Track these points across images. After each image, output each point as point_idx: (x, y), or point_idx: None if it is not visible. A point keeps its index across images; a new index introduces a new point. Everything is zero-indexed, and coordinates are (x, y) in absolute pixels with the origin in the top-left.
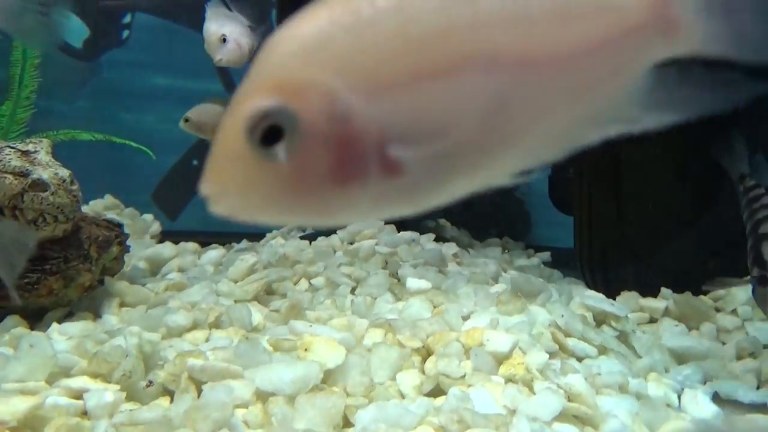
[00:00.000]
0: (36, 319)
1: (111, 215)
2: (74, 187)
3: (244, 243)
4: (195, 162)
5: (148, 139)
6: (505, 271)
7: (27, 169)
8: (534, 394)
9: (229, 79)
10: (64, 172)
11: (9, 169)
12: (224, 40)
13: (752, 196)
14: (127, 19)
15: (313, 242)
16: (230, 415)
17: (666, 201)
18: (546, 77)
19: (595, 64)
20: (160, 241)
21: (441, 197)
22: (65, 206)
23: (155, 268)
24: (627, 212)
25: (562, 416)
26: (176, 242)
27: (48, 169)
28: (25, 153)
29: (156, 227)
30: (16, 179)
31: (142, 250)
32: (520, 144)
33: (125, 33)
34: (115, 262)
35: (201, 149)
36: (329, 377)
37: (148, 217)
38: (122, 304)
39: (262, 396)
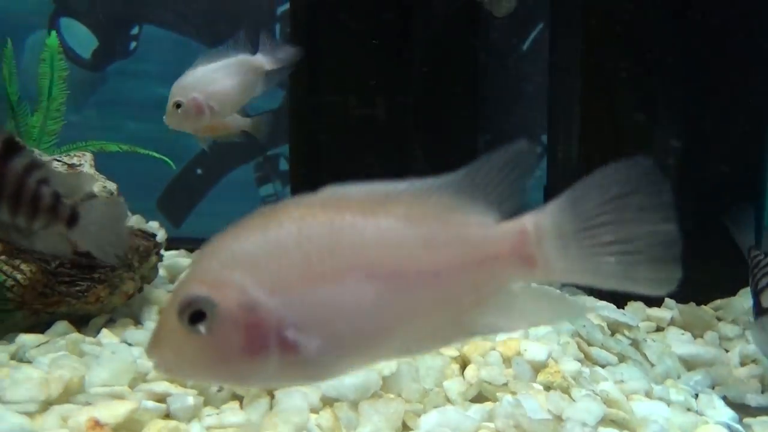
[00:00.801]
0: (81, 324)
1: (139, 226)
2: (121, 200)
3: None
4: (198, 171)
5: (152, 147)
6: None
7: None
8: (574, 400)
9: None
10: (111, 185)
11: None
12: (178, 106)
13: (755, 263)
14: (135, 30)
15: None
16: (307, 420)
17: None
18: (415, 287)
19: (457, 281)
20: (167, 249)
21: (335, 373)
22: None
23: (174, 276)
24: None
25: (604, 421)
26: (190, 250)
27: (96, 182)
28: (71, 166)
29: (162, 234)
30: None
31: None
32: (396, 336)
33: (133, 44)
34: (151, 271)
35: (204, 158)
36: (384, 384)
37: (154, 224)
38: (161, 312)
39: (328, 402)
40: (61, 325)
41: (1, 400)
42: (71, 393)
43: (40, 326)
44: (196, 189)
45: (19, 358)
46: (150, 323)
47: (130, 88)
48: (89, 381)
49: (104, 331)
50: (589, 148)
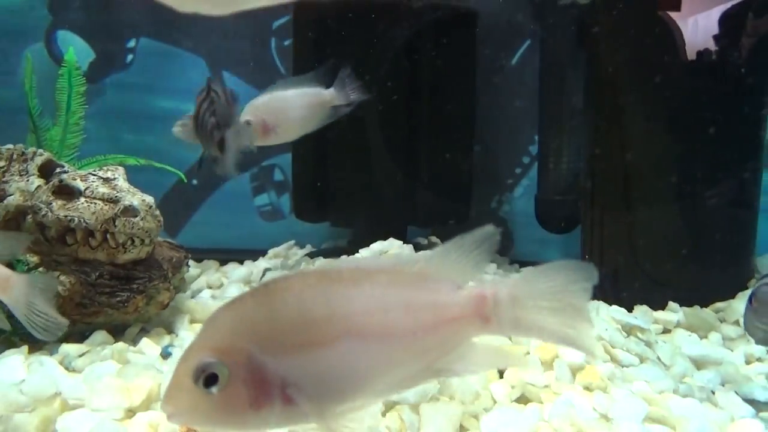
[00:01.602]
0: (117, 333)
1: (165, 238)
2: (158, 212)
3: (263, 261)
4: (195, 182)
5: (149, 158)
6: None
7: (116, 196)
8: (614, 400)
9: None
10: (150, 199)
11: (98, 195)
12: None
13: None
14: (132, 43)
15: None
16: (379, 422)
17: (670, 223)
18: (396, 345)
19: (430, 338)
20: None
21: (329, 416)
22: (152, 230)
23: (184, 286)
24: (637, 234)
25: (648, 419)
26: (198, 260)
27: (135, 195)
28: (107, 180)
29: None
30: (106, 205)
31: None
32: (379, 384)
33: (129, 57)
34: (182, 281)
35: (201, 169)
36: (441, 387)
37: None
38: (192, 321)
39: (390, 405)
40: (100, 335)
41: (90, 408)
42: (152, 400)
43: (74, 335)
44: (192, 199)
45: (65, 367)
46: (183, 332)
47: (126, 101)
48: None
49: (144, 340)
50: (581, 158)
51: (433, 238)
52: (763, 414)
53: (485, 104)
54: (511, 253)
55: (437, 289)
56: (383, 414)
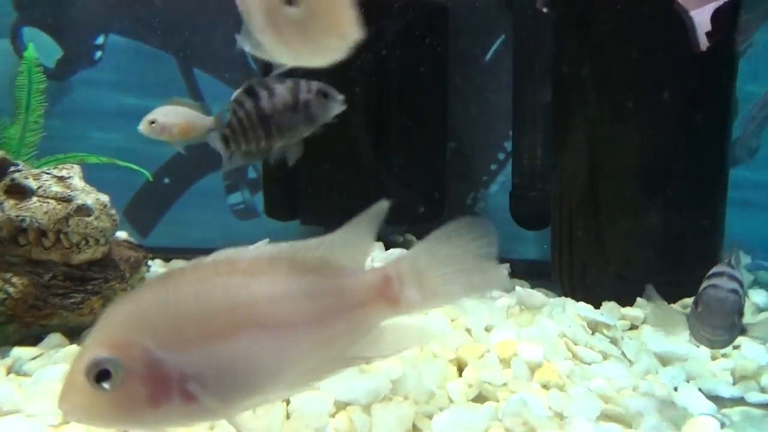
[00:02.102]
0: (74, 336)
1: (123, 237)
2: (113, 212)
3: None
4: (166, 180)
5: (118, 156)
6: None
7: (69, 195)
8: (571, 398)
9: (197, 91)
10: (104, 197)
11: (51, 194)
12: (152, 123)
13: None
14: (100, 40)
15: None
16: (326, 424)
17: (638, 219)
18: (301, 335)
19: (336, 325)
20: None
21: (232, 413)
22: (107, 230)
23: None
24: (606, 230)
25: (602, 417)
26: (166, 260)
27: (89, 194)
28: (61, 179)
29: None
30: (59, 204)
31: None
32: (286, 376)
33: (98, 54)
34: (140, 282)
35: (172, 167)
36: (393, 387)
37: (122, 233)
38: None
39: (341, 406)
40: (55, 338)
41: (24, 414)
42: None
43: (29, 339)
44: (164, 198)
45: (15, 371)
46: None
47: (95, 98)
48: None
49: None
50: (553, 155)
51: (409, 236)
52: (725, 410)
53: (459, 100)
54: None
55: (340, 275)
56: (332, 415)
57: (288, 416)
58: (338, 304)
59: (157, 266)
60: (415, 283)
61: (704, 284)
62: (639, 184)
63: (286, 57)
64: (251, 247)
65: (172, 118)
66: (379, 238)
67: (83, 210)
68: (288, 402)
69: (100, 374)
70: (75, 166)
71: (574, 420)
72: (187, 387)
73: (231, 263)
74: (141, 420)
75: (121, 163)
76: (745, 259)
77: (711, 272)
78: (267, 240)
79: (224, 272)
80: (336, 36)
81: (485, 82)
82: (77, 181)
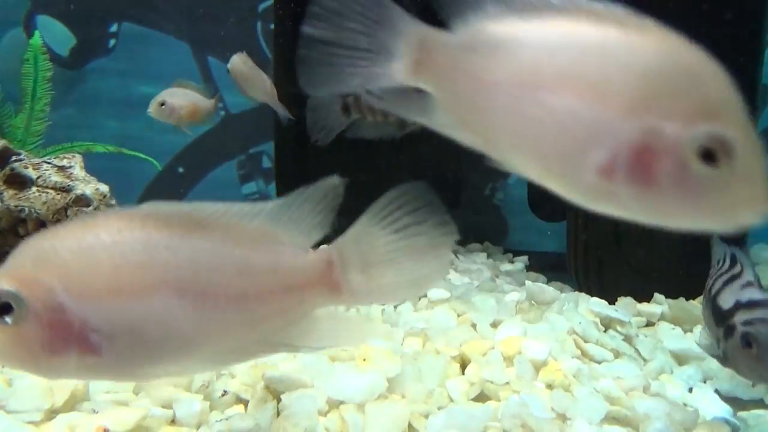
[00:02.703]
0: None
1: None
2: (113, 202)
3: None
4: (180, 169)
5: (132, 146)
6: (498, 276)
7: (68, 185)
8: (576, 398)
9: (211, 80)
10: (104, 188)
11: (50, 184)
12: (162, 104)
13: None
14: (114, 28)
15: None
16: (316, 423)
17: None
18: (224, 309)
19: (266, 306)
20: None
21: (138, 378)
22: None
23: None
24: (622, 223)
25: (608, 419)
26: None
27: (89, 184)
28: (62, 168)
29: None
30: (58, 194)
31: None
32: (204, 351)
33: (112, 42)
34: None
35: (187, 157)
36: (389, 385)
37: None
38: None
39: (334, 404)
40: None
41: (4, 410)
42: (77, 401)
43: None
44: (178, 188)
45: None
46: None
47: (110, 87)
48: (93, 388)
49: None
50: None
51: None
52: (741, 414)
53: None
54: (505, 242)
55: (278, 252)
56: (324, 414)
57: (278, 414)
58: (271, 284)
59: None
60: (360, 268)
61: (743, 316)
62: None
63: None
64: (184, 203)
65: (179, 99)
66: None
67: (82, 200)
68: (279, 399)
69: (2, 307)
70: (77, 155)
71: (576, 422)
72: (89, 338)
73: (161, 218)
74: (37, 364)
75: (128, 152)
76: (765, 253)
77: (746, 300)
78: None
79: (151, 226)
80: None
81: None
82: (78, 171)
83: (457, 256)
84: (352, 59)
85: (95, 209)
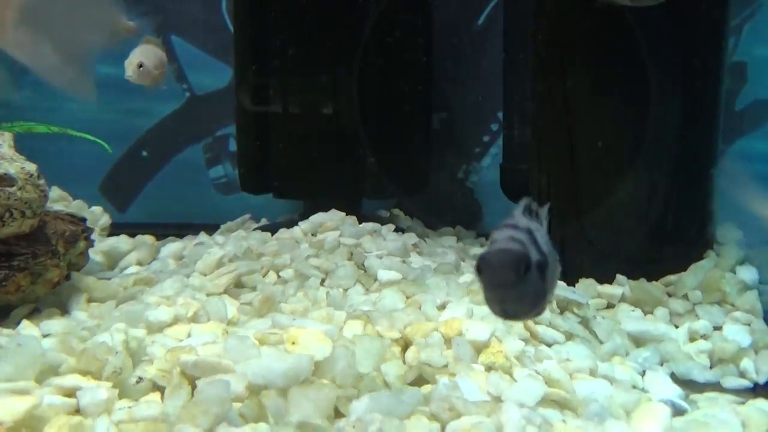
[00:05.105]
0: (2, 316)
1: (57, 208)
2: (41, 182)
3: (203, 236)
4: (144, 153)
5: (93, 129)
6: (463, 260)
7: None
8: (515, 381)
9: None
10: (31, 167)
11: None
12: (140, 66)
13: None
14: None
15: (274, 234)
16: (229, 409)
17: (620, 192)
18: None
19: None
20: (110, 234)
21: None
22: (33, 201)
23: (112, 262)
24: (584, 203)
25: (545, 401)
26: (131, 235)
27: (14, 163)
28: None
29: (105, 220)
30: None
31: (96, 244)
32: None
33: None
34: (80, 257)
35: (150, 140)
36: (318, 369)
37: (97, 209)
38: (90, 300)
39: (255, 389)
40: None
41: None
42: None
43: None
44: (142, 172)
45: None
46: (77, 312)
47: None
48: None
49: (24, 323)
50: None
51: (396, 211)
52: (694, 396)
53: (448, 66)
54: (478, 226)
55: None
56: (242, 399)
57: (191, 399)
58: None
59: (123, 242)
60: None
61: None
62: (621, 153)
63: None
64: None
65: (153, 60)
66: (357, 212)
67: (5, 180)
68: (194, 385)
69: None
70: (6, 133)
71: (506, 405)
72: None
73: None
74: None
75: (74, 133)
76: (737, 234)
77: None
78: (248, 215)
79: None
80: None
81: (477, 49)
82: (6, 150)
83: (424, 240)
84: None
85: (20, 189)
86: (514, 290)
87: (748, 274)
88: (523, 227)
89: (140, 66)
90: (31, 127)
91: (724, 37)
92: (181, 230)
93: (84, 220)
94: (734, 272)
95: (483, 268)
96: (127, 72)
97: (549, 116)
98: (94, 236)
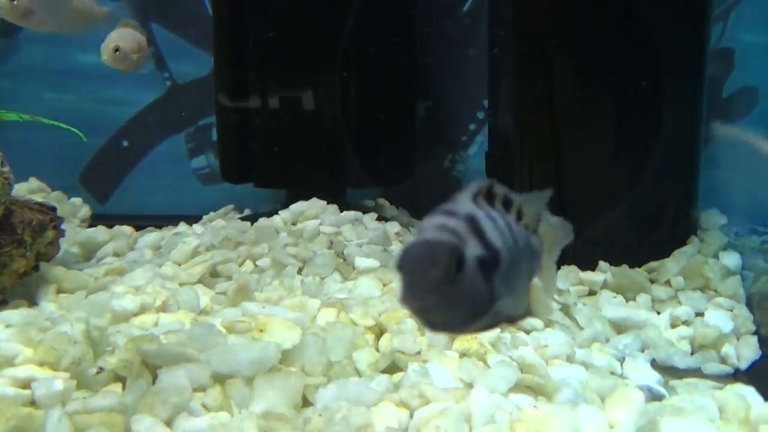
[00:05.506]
0: None
1: (37, 199)
2: (5, 169)
3: (182, 226)
4: (125, 143)
5: (72, 119)
6: None
7: None
8: (488, 367)
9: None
10: None
11: None
12: (117, 50)
13: None
14: None
15: (254, 223)
16: (189, 399)
17: (602, 178)
18: None
19: None
20: (90, 225)
21: None
22: None
23: (89, 253)
24: (566, 189)
25: (517, 387)
26: (109, 226)
27: None
28: None
29: (85, 211)
30: None
31: (73, 235)
32: None
33: None
34: (50, 247)
35: (131, 130)
36: (286, 357)
37: (77, 200)
38: (59, 291)
39: (219, 379)
40: None
41: None
42: None
43: None
44: (122, 163)
45: None
46: (45, 303)
47: (45, 56)
48: None
49: None
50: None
51: (381, 200)
52: (673, 382)
53: (432, 54)
54: None
55: None
56: (204, 389)
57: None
58: None
59: (101, 233)
60: None
61: None
62: (603, 138)
63: None
64: None
65: (131, 43)
66: (341, 201)
67: None
68: (155, 374)
69: None
70: None
71: (476, 391)
72: None
73: None
74: None
75: (45, 121)
76: (721, 220)
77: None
78: (231, 206)
79: None
80: None
81: (462, 36)
82: None
83: (409, 229)
84: None
85: None
86: (438, 294)
87: (731, 259)
88: (462, 214)
89: (116, 50)
90: (1, 115)
91: (707, 23)
92: (163, 221)
93: (54, 208)
94: (717, 258)
95: (401, 264)
96: (102, 55)
97: (531, 104)
98: (64, 226)
